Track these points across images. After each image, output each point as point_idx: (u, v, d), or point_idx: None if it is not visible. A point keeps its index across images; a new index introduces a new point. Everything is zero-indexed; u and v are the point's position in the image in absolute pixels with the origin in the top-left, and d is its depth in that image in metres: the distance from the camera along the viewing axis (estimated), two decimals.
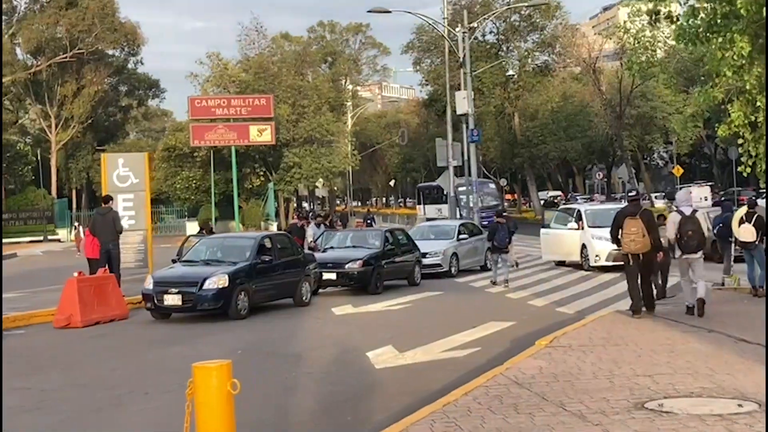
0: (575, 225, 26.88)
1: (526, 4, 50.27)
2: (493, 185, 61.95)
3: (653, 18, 17.77)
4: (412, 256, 23.71)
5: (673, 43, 32.62)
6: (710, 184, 61.50)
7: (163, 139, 65.69)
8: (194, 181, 59.32)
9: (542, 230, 29.88)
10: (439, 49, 58.93)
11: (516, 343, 12.87)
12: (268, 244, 18.49)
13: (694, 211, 14.37)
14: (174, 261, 19.30)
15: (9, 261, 41.68)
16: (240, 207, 57.80)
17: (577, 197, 76.57)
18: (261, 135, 52.70)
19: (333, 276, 21.21)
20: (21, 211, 63.52)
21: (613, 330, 12.79)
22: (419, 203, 67.35)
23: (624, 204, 22.44)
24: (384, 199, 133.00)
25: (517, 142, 66.64)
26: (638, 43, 41.95)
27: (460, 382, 9.96)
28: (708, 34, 16.62)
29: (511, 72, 53.39)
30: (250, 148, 55.75)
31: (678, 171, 59.43)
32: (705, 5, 16.18)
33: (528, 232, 38.10)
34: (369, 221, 48.89)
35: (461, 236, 26.80)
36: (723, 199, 51.57)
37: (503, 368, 10.17)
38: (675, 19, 17.14)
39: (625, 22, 43.93)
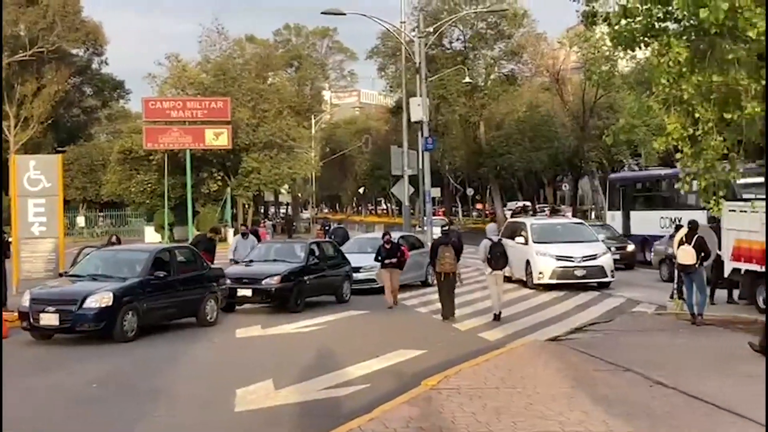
0: (522, 239, 25.49)
1: (486, 10, 48.88)
2: None
3: (589, 21, 16.32)
4: (341, 270, 22.17)
5: (638, 54, 31.22)
6: None
7: (118, 141, 63.66)
8: (149, 185, 57.46)
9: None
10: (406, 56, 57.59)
11: (412, 379, 11.36)
12: (165, 257, 16.86)
13: (500, 239, 18.45)
14: (61, 275, 17.66)
15: None
16: (197, 212, 56.18)
17: (545, 209, 75.43)
18: (217, 139, 51.08)
19: (248, 292, 19.61)
20: None
21: (517, 367, 11.32)
22: (614, 207, 36.10)
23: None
24: (355, 206, 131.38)
25: (482, 152, 65.22)
26: (598, 52, 40.74)
27: None
28: (645, 38, 15.22)
29: (468, 79, 51.84)
30: (207, 152, 54.09)
31: None
32: (638, 6, 14.76)
33: None
34: (326, 228, 47.31)
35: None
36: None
37: (366, 419, 8.68)
38: (612, 22, 15.72)
39: (584, 30, 42.68)
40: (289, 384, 11.29)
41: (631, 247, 30.30)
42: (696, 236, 16.32)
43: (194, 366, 13.28)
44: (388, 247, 20.81)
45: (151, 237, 56.51)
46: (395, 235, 27.52)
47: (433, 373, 11.43)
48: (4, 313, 16.75)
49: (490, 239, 18.11)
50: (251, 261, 21.45)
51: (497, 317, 17.76)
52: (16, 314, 16.38)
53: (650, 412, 8.75)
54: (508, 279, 26.48)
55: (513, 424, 8.30)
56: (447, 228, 20.45)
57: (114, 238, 22.19)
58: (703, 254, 16.28)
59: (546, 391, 9.81)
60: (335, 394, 10.75)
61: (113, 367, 13.06)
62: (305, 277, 20.35)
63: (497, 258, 17.74)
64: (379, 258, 20.90)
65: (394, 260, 20.66)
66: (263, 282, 19.60)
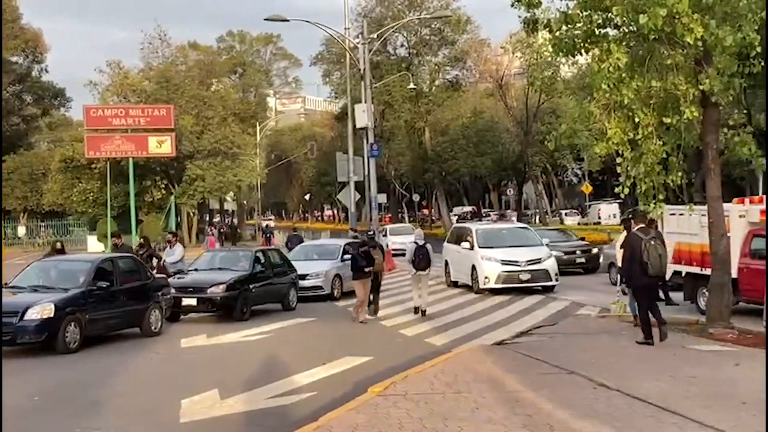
0: (467, 244, 25.62)
1: (430, 16, 49.09)
2: None
3: (530, 27, 16.48)
4: (287, 278, 22.06)
5: (579, 59, 31.81)
6: (619, 201, 61.29)
7: (59, 149, 62.77)
8: (92, 194, 56.76)
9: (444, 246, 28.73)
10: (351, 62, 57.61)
11: (357, 386, 11.32)
12: (108, 267, 16.63)
13: (424, 243, 19.98)
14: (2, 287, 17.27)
15: None
16: (141, 221, 55.52)
17: (490, 213, 75.96)
18: (160, 147, 50.58)
19: (194, 301, 19.39)
20: None
21: (462, 373, 11.35)
22: None
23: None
24: (302, 213, 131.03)
25: (427, 157, 65.55)
26: (540, 58, 41.16)
27: None
28: (586, 44, 15.43)
29: (412, 85, 52.09)
30: (150, 160, 53.60)
31: (587, 189, 59.10)
32: (578, 12, 14.96)
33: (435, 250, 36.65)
34: (268, 235, 47.23)
35: (346, 256, 25.09)
36: (630, 216, 51.31)
37: (312, 427, 8.65)
38: (552, 29, 15.90)
39: (527, 36, 43.08)
40: (236, 393, 11.19)
41: (595, 250, 30.63)
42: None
43: (138, 377, 13.09)
44: (363, 254, 19.41)
45: (94, 246, 55.68)
46: (340, 242, 27.50)
47: (380, 379, 11.42)
48: None
49: (415, 243, 20.21)
50: (196, 269, 21.29)
51: (419, 312, 19.58)
52: None
53: (594, 414, 8.84)
54: (454, 284, 26.77)
55: (459, 429, 8.32)
56: (372, 233, 22.98)
57: (59, 245, 21.82)
58: None
59: (492, 396, 9.86)
60: (282, 403, 10.69)
61: (55, 380, 12.83)
62: (251, 286, 20.22)
63: (419, 260, 19.63)
64: (357, 266, 19.31)
65: (372, 268, 19.26)
66: (208, 291, 19.43)
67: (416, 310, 19.74)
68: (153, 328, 17.22)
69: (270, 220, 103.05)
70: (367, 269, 19.16)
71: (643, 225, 14.13)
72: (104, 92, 58.96)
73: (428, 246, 20.04)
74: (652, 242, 13.59)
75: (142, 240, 25.46)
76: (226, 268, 21.01)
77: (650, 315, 13.85)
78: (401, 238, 41.88)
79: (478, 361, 12.33)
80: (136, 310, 16.87)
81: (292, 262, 23.39)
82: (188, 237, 60.59)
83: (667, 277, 18.92)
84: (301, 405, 10.52)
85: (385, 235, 22.25)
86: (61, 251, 21.24)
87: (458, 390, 10.21)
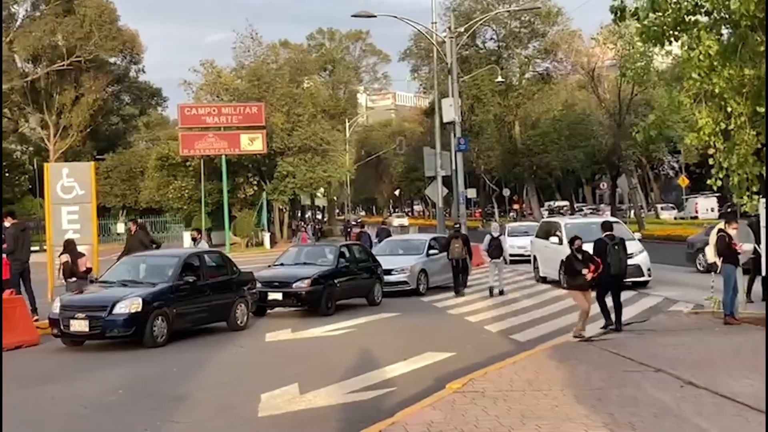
0: (556, 239, 25.16)
1: (519, 8, 48.49)
2: None
3: (618, 15, 16.04)
4: (372, 273, 22.06)
5: (674, 48, 30.88)
6: (717, 195, 59.50)
7: (156, 147, 64.24)
8: (186, 191, 57.81)
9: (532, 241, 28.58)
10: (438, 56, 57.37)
11: (437, 382, 11.19)
12: (195, 262, 16.87)
13: (500, 234, 24.25)
14: (92, 281, 17.70)
15: None
16: (234, 217, 56.44)
17: (583, 208, 74.65)
18: (252, 144, 51.52)
19: (279, 296, 19.57)
20: None
21: (544, 370, 11.11)
22: None
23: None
24: (391, 208, 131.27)
25: (517, 151, 64.77)
26: (632, 48, 40.09)
27: None
28: (675, 32, 14.95)
29: (500, 78, 51.48)
30: (243, 157, 54.40)
31: (684, 181, 57.52)
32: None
33: None
34: (348, 230, 47.31)
35: (432, 251, 25.01)
36: (729, 210, 49.74)
37: (387, 423, 8.55)
38: (640, 17, 15.43)
39: (619, 27, 42.10)
40: (316, 388, 11.18)
41: None
42: (719, 234, 16.00)
43: (222, 371, 13.22)
44: (580, 257, 15.16)
45: (190, 242, 56.84)
46: (425, 237, 27.32)
47: (461, 375, 11.27)
48: (36, 321, 16.96)
49: (490, 234, 23.99)
50: (281, 264, 21.50)
51: (493, 293, 22.97)
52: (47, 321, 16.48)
53: (678, 413, 8.53)
54: (543, 279, 26.37)
55: (537, 428, 8.12)
56: (458, 225, 26.97)
57: (64, 257, 18.39)
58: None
59: (573, 393, 9.61)
60: (360, 398, 10.63)
61: (141, 373, 13.05)
62: (335, 280, 20.28)
63: (493, 249, 23.49)
64: (573, 270, 15.30)
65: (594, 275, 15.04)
66: (294, 285, 19.57)
67: (491, 290, 23.12)
68: (239, 322, 17.42)
69: (402, 217, 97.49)
70: (586, 273, 14.86)
71: (609, 232, 16.01)
72: (198, 91, 59.98)
73: (501, 238, 24.29)
74: (615, 247, 15.64)
75: (195, 233, 25.74)
76: (311, 262, 21.13)
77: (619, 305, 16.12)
78: (524, 240, 32.53)
79: (562, 358, 12.05)
80: (222, 304, 17.07)
81: (378, 257, 23.40)
82: (279, 233, 61.27)
83: (764, 272, 18.31)
84: (379, 400, 10.45)
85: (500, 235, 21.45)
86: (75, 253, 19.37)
87: (538, 387, 9.99)
